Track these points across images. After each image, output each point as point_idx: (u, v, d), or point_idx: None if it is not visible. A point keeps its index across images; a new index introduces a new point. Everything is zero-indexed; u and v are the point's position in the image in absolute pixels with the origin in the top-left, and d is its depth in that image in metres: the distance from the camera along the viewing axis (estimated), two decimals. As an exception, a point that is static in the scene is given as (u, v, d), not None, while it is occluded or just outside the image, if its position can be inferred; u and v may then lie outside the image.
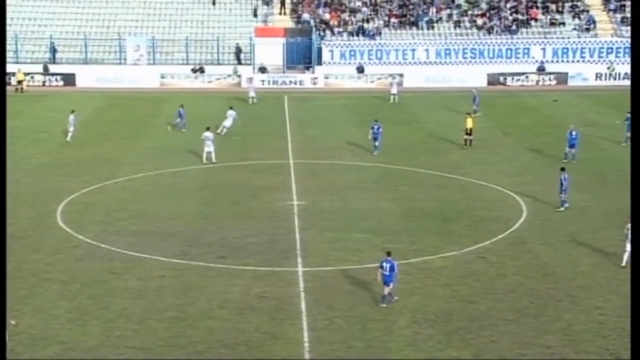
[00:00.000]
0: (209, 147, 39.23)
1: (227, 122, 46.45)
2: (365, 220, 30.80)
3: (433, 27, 70.19)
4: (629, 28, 69.63)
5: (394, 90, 58.71)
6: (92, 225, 30.13)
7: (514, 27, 69.74)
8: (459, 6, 71.45)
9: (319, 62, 67.40)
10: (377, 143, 41.73)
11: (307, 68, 67.74)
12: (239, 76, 66.29)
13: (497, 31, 69.57)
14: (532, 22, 70.27)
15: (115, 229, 29.86)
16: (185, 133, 45.85)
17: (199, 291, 24.00)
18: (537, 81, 66.33)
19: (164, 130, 47.49)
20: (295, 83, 66.04)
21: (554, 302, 22.98)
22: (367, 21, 70.56)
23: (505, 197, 33.85)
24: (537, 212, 31.55)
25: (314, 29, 68.91)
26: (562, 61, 67.16)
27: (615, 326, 21.40)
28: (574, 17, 70.29)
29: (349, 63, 67.45)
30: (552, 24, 69.84)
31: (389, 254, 23.07)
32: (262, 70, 66.52)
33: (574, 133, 39.94)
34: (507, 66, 66.86)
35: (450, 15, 70.97)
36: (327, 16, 71.09)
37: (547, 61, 67.10)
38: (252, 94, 57.90)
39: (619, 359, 19.78)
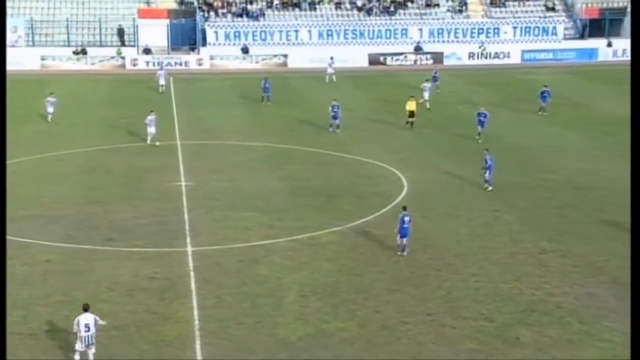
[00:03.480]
0: (152, 129, 39.15)
1: (425, 94, 47.43)
2: (253, 199, 30.77)
3: (315, 9, 70.50)
4: (497, 9, 72.20)
5: (330, 69, 58.06)
6: (-28, 211, 28.79)
7: (392, 8, 70.91)
8: (339, -12, 72.04)
9: (204, 44, 66.57)
10: (337, 122, 41.74)
11: (192, 49, 66.79)
12: (123, 58, 64.72)
13: (376, 12, 70.57)
14: (409, 4, 71.66)
15: None
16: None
17: (87, 274, 23.42)
18: (415, 60, 67.79)
19: (45, 114, 45.77)
20: (181, 64, 65.03)
21: (434, 272, 23.68)
22: (251, 2, 70.10)
23: (388, 173, 34.52)
24: (417, 186, 32.33)
25: (197, 10, 67.92)
26: (438, 41, 68.86)
27: (489, 291, 22.27)
28: (447, -1, 72.16)
29: (234, 44, 66.95)
30: (428, 5, 71.45)
31: (405, 208, 24.99)
32: (147, 51, 65.12)
33: (483, 114, 39.91)
34: (386, 47, 67.99)
35: (331, -3, 71.49)
36: (210, -3, 70.20)
37: (423, 41, 68.64)
38: (162, 81, 53.43)
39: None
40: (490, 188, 31.25)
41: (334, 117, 41.91)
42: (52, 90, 47.38)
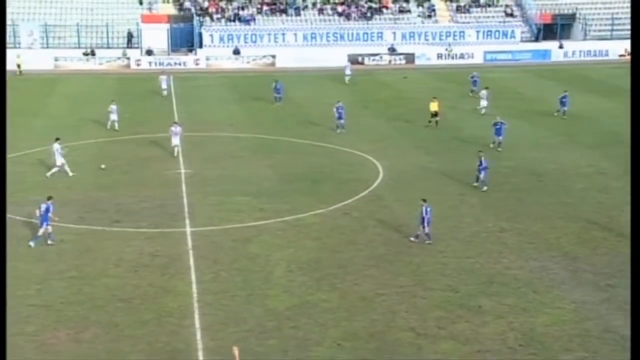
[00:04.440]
0: (176, 141, 34.55)
1: (483, 102, 43.73)
2: (245, 184, 30.69)
3: (300, 14, 70.26)
4: (462, 15, 72.21)
5: (348, 71, 56.68)
6: (-7, 197, 28.51)
7: (369, 14, 70.76)
8: (322, -5, 71.89)
9: (201, 45, 66.25)
10: (342, 122, 39.46)
11: (190, 50, 66.44)
12: (128, 58, 64.28)
13: (354, 18, 70.41)
14: (384, 10, 71.54)
15: (15, 199, 28.39)
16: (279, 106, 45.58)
17: (96, 252, 23.33)
18: (390, 61, 67.70)
19: (58, 108, 45.35)
20: (180, 64, 64.63)
21: (406, 249, 23.74)
22: (242, 9, 69.77)
23: (365, 161, 34.53)
24: (391, 173, 32.36)
25: (195, 16, 67.56)
26: (410, 43, 68.79)
27: (456, 266, 22.39)
28: (418, 5, 72.05)
29: (227, 46, 66.64)
30: (401, 11, 71.37)
31: (425, 200, 23.83)
32: (149, 53, 64.71)
33: (498, 123, 36.06)
34: (364, 48, 67.83)
35: (314, 4, 71.21)
36: (206, 4, 69.76)
37: (397, 43, 68.56)
38: (164, 85, 50.04)
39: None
40: (485, 188, 29.35)
41: (339, 118, 39.77)
42: (113, 98, 42.29)
